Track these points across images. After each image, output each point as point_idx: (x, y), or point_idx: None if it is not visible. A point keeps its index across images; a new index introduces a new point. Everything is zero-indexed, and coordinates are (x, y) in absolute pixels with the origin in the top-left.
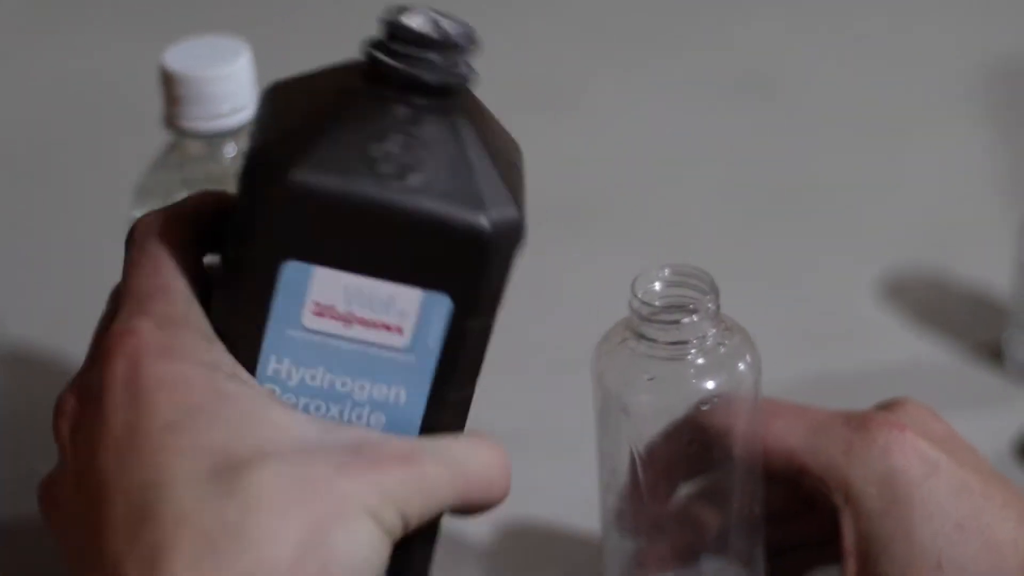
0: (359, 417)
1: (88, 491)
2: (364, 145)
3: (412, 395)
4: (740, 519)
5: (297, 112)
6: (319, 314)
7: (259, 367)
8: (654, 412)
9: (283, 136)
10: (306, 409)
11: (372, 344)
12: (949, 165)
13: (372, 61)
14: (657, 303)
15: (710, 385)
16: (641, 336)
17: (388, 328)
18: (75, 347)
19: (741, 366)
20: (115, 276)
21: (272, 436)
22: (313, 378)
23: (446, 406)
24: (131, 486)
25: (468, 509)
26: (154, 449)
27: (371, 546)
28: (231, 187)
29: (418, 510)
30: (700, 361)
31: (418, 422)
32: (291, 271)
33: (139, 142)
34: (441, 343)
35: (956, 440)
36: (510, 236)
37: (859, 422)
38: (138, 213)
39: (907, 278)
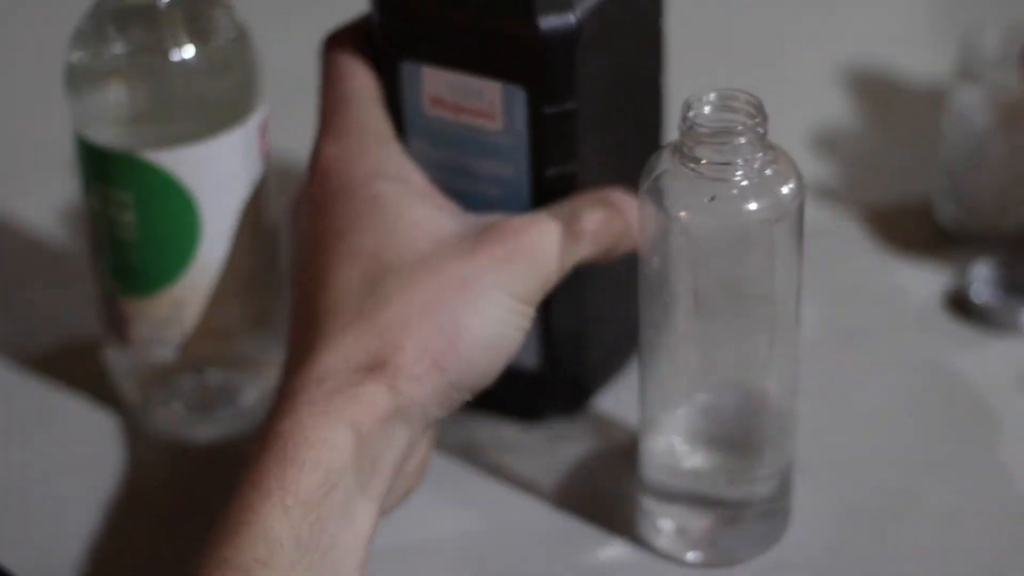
0: (482, 188)
1: (293, 280)
2: None
3: (517, 169)
4: (781, 345)
5: None
6: (435, 103)
7: (408, 145)
8: (710, 233)
9: None
10: (445, 184)
11: (476, 129)
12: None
13: None
14: (706, 126)
15: (754, 207)
16: (690, 159)
17: (483, 115)
18: (21, 192)
19: (785, 190)
20: (55, 120)
21: (413, 236)
22: (444, 156)
23: (548, 181)
24: (307, 281)
25: (604, 255)
26: (324, 252)
27: (501, 319)
28: (166, 32)
29: (546, 270)
30: (746, 183)
31: (527, 194)
32: (407, 70)
33: None
34: (527, 126)
35: None
36: (564, 37)
37: None
38: (75, 59)
39: (839, 131)
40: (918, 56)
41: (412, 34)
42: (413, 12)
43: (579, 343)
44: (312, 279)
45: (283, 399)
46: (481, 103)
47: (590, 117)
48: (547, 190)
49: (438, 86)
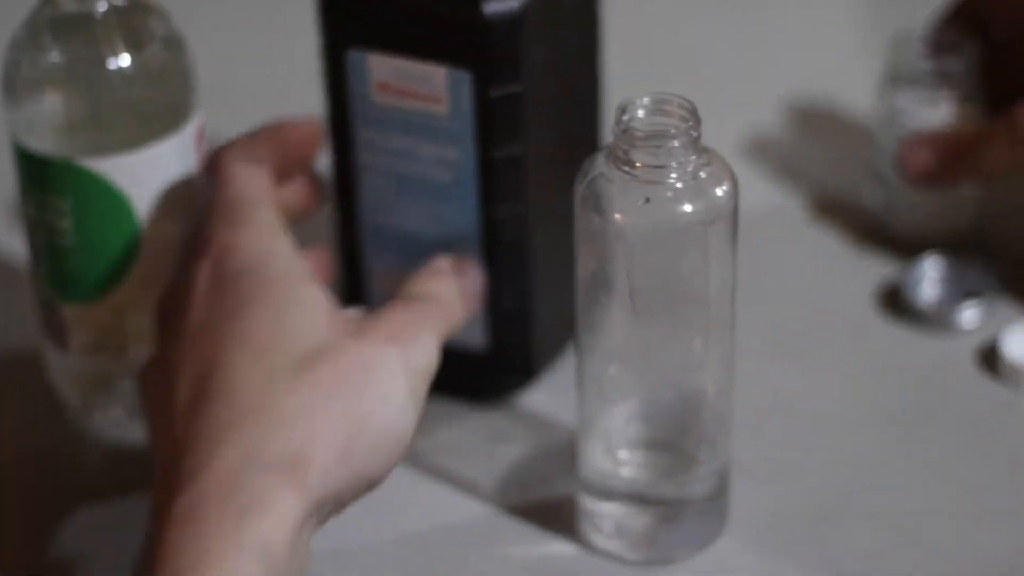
0: (431, 172)
1: (165, 375)
2: None
3: (464, 153)
4: (717, 345)
5: None
6: (382, 90)
7: (354, 132)
8: (645, 235)
9: None
10: (394, 169)
11: (423, 113)
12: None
13: None
14: (640, 130)
15: (689, 209)
16: (625, 162)
17: (430, 100)
18: None
19: (719, 192)
20: None
21: (311, 316)
22: (392, 142)
23: (495, 163)
24: (197, 371)
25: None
26: (213, 335)
27: (402, 404)
28: (102, 40)
29: (433, 351)
30: (680, 186)
31: (475, 177)
32: (354, 57)
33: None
34: (473, 109)
35: None
36: (509, 21)
37: None
38: (11, 67)
39: (772, 134)
40: (850, 62)
41: (358, 21)
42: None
43: (524, 321)
44: (201, 365)
45: (180, 514)
46: (428, 88)
47: (534, 100)
48: (494, 172)
49: (385, 73)
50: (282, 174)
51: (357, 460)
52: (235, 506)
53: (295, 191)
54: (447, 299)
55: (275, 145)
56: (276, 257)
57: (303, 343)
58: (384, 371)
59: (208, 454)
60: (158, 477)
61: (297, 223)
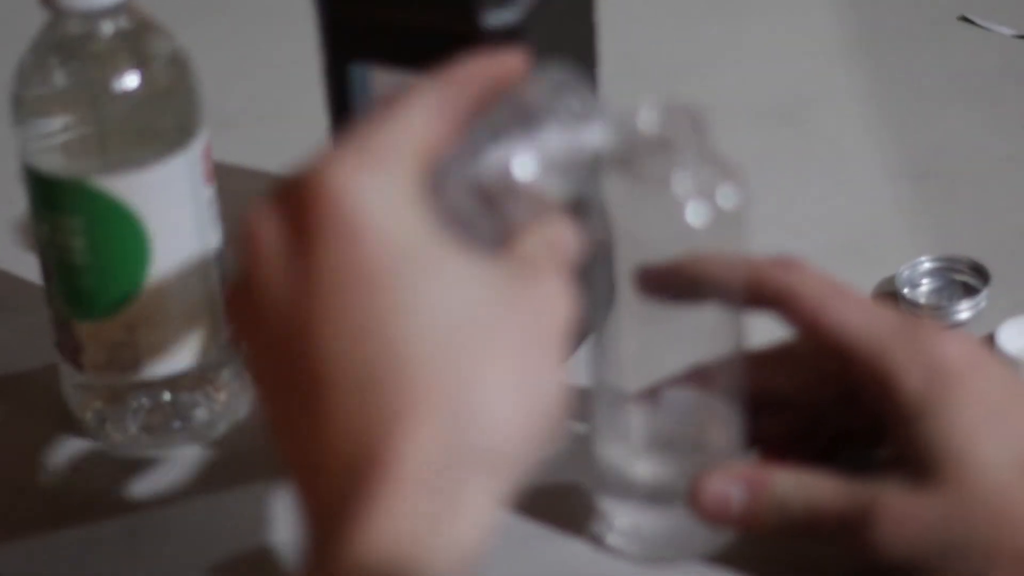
0: None
1: (298, 337)
2: None
3: None
4: (727, 349)
5: None
6: None
7: None
8: (653, 242)
9: None
10: None
11: None
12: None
13: None
14: (645, 136)
15: (696, 214)
16: (632, 168)
17: None
18: None
19: (727, 197)
20: (4, 153)
21: (472, 294)
22: None
23: None
24: (353, 343)
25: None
26: (372, 311)
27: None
28: (108, 61)
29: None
30: (687, 192)
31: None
32: (356, 72)
33: (19, 22)
34: None
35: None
36: (506, 33)
37: (913, 316)
38: (20, 90)
39: (764, 137)
40: (842, 66)
41: (359, 36)
42: (360, 15)
43: None
44: (348, 341)
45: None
46: None
47: None
48: None
49: (387, 85)
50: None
51: (543, 432)
52: (435, 509)
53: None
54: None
55: (472, 87)
56: (412, 215)
57: (462, 312)
58: (549, 337)
59: (396, 451)
60: (316, 486)
61: None
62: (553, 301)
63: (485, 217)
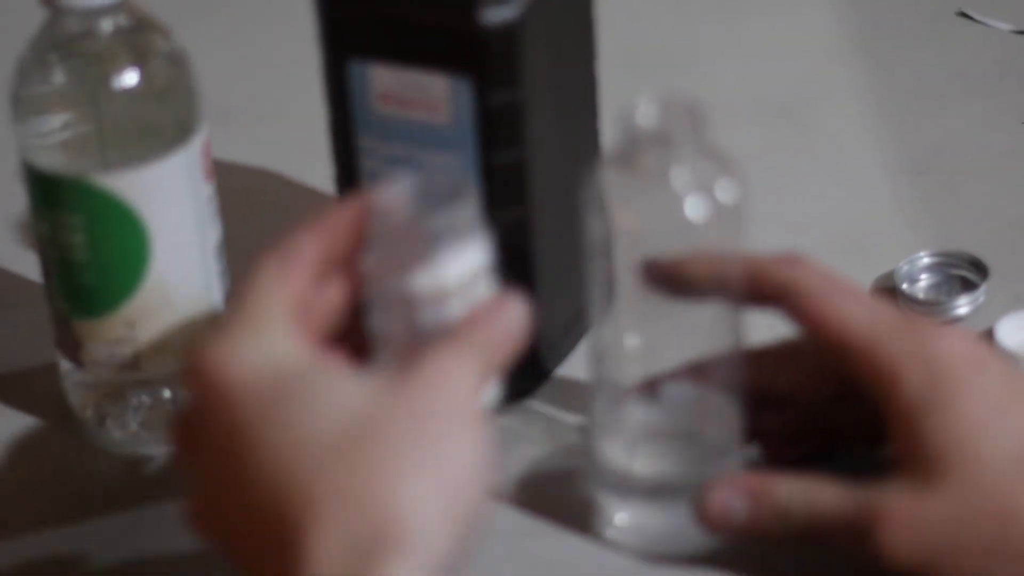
0: None
1: (228, 498)
2: None
3: (465, 160)
4: (727, 343)
5: None
6: (383, 100)
7: (357, 142)
8: (652, 236)
9: None
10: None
11: (424, 122)
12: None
13: None
14: (644, 131)
15: (695, 209)
16: (632, 163)
17: (431, 108)
18: None
19: (726, 192)
20: (3, 152)
21: (344, 398)
22: (393, 151)
23: (497, 170)
24: (256, 483)
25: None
26: (262, 449)
27: (481, 438)
28: (108, 59)
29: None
30: (686, 186)
31: (476, 183)
32: (355, 69)
33: (17, 20)
34: (473, 117)
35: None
36: (506, 29)
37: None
38: (19, 88)
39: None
40: (841, 63)
41: (358, 33)
42: (359, 11)
43: (531, 325)
44: (263, 477)
45: None
46: (428, 97)
47: (534, 106)
48: (496, 178)
49: (386, 83)
50: (328, 270)
51: (459, 508)
52: None
53: (337, 291)
54: (485, 335)
55: (317, 239)
56: (274, 356)
57: (347, 421)
58: (444, 414)
59: (310, 551)
60: None
61: None
62: (444, 383)
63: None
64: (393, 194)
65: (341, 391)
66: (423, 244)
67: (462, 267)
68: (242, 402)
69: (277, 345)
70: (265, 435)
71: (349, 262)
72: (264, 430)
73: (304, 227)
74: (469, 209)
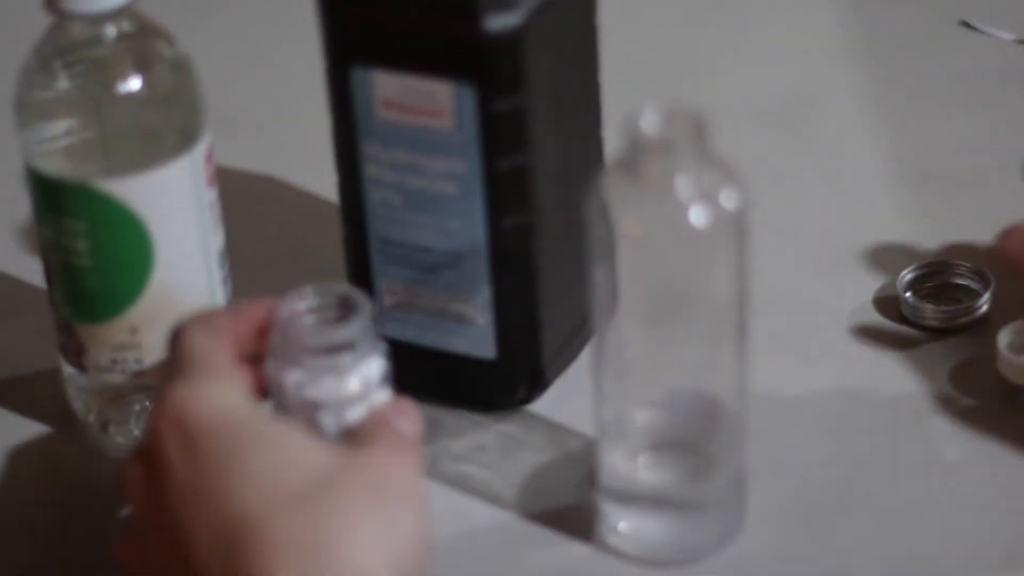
0: (437, 185)
1: (173, 539)
2: None
3: (469, 165)
4: (729, 350)
5: None
6: (386, 106)
7: (360, 149)
8: (655, 243)
9: None
10: (399, 183)
11: (428, 128)
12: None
13: None
14: (645, 139)
15: (698, 216)
16: (635, 170)
17: (435, 115)
18: None
19: (728, 200)
20: (6, 157)
21: (300, 453)
22: (397, 157)
23: (500, 175)
24: (213, 523)
25: None
26: (223, 488)
27: (424, 520)
28: (111, 65)
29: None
30: (689, 194)
31: (480, 189)
32: (358, 75)
33: (21, 26)
34: (477, 123)
35: None
36: (510, 36)
37: None
38: (23, 94)
39: (763, 140)
40: (843, 67)
41: (362, 40)
42: (362, 18)
43: (533, 331)
44: (211, 521)
45: None
46: (432, 103)
47: (537, 112)
48: (500, 184)
49: (389, 89)
50: (239, 354)
51: (406, 568)
52: None
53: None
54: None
55: (233, 319)
56: (237, 403)
57: (308, 474)
58: (396, 487)
59: None
60: None
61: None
62: (391, 457)
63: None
64: (294, 306)
65: (302, 447)
66: (325, 357)
67: (362, 377)
68: (207, 442)
69: (234, 395)
70: (228, 475)
71: (253, 357)
72: (228, 470)
73: (217, 312)
74: (367, 321)
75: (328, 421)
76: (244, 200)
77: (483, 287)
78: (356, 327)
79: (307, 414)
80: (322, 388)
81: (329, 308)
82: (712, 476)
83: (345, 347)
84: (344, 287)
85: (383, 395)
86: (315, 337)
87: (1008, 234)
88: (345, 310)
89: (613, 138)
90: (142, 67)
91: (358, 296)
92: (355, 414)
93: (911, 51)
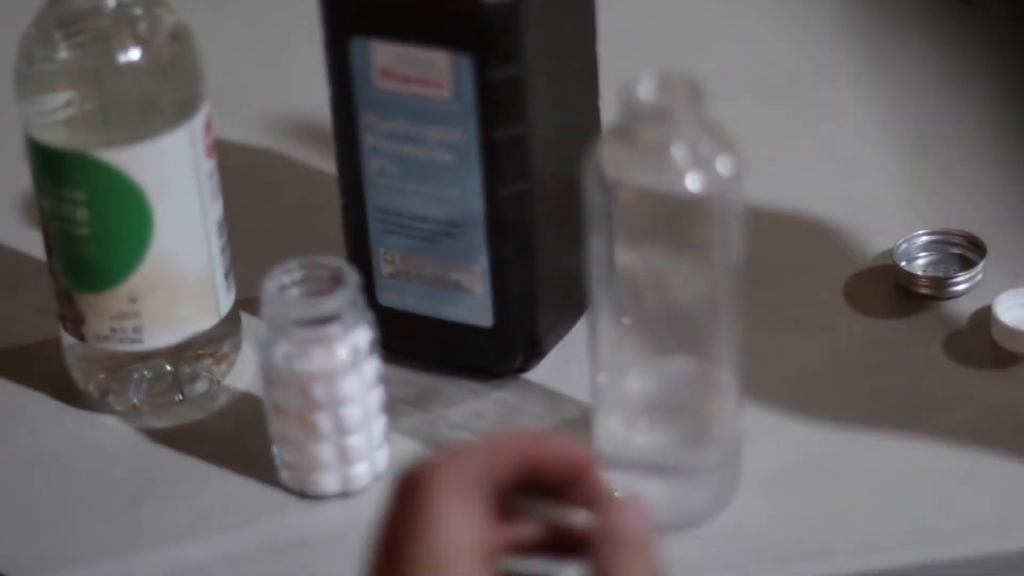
0: (434, 154)
1: None
2: None
3: (467, 134)
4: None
5: None
6: (385, 76)
7: (358, 119)
8: (651, 209)
9: None
10: (397, 152)
11: (426, 98)
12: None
13: None
14: (642, 105)
15: (693, 183)
16: (632, 138)
17: (433, 84)
18: None
19: (723, 167)
20: (7, 130)
21: None
22: (395, 126)
23: (497, 144)
24: None
25: None
26: None
27: None
28: (112, 34)
29: None
30: (685, 161)
31: (477, 157)
32: (357, 45)
33: None
34: (474, 92)
35: None
36: (507, 5)
37: None
38: (23, 64)
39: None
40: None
41: (360, 10)
42: None
43: (531, 299)
44: None
45: None
46: (430, 73)
47: (534, 81)
48: (497, 153)
49: (388, 59)
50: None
51: None
52: None
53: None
54: None
55: (503, 461)
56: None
57: None
58: None
59: None
60: None
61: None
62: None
63: None
64: (283, 283)
65: None
66: (313, 329)
67: (351, 347)
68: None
69: (474, 509)
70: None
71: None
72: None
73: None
74: (353, 292)
75: (319, 392)
76: (243, 171)
77: (480, 256)
78: (343, 298)
79: (299, 388)
80: (312, 360)
81: (316, 280)
82: (707, 442)
83: (333, 318)
84: (330, 260)
85: (372, 364)
86: (302, 309)
87: None
88: (332, 282)
89: (610, 109)
90: (142, 37)
91: (344, 268)
92: (346, 385)
93: (908, 23)
